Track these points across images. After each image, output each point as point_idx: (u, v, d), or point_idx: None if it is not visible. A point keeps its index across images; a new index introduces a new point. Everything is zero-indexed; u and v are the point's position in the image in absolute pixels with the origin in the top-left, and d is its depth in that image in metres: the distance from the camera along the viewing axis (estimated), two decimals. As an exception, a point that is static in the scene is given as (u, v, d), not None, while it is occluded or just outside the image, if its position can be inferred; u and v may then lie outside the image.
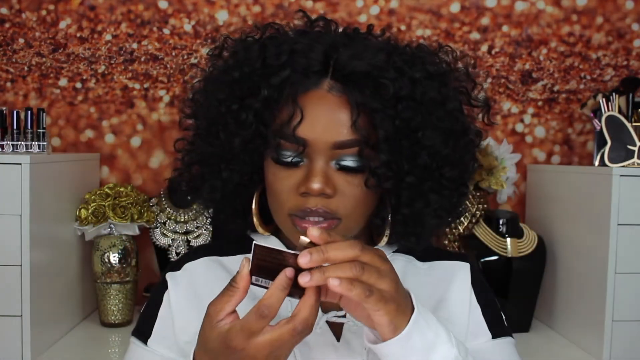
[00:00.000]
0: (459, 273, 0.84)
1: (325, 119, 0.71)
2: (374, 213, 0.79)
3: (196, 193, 0.83)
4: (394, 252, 0.85)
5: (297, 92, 0.72)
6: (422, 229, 0.79)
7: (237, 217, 0.83)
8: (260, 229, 0.81)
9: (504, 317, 0.86)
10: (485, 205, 1.76)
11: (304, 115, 0.71)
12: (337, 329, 0.78)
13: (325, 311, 0.78)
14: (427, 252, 0.87)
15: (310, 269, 0.61)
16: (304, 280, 0.60)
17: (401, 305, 0.64)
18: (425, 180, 0.75)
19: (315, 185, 0.70)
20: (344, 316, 0.78)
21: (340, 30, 0.79)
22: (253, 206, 0.81)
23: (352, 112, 0.71)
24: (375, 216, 0.79)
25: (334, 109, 0.72)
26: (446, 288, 0.83)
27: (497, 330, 0.83)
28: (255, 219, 0.81)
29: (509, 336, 0.84)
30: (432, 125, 0.73)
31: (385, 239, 0.79)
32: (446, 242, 1.76)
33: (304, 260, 0.60)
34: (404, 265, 0.84)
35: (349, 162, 0.72)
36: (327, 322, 0.78)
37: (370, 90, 0.70)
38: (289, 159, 0.73)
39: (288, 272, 0.61)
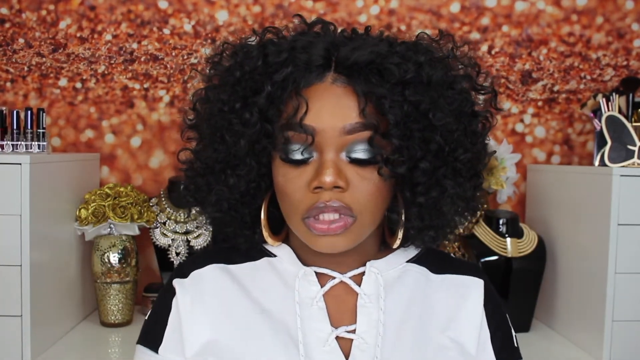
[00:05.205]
0: (473, 291, 0.82)
1: (332, 107, 0.70)
2: (389, 209, 0.77)
3: (202, 204, 0.80)
4: (407, 261, 0.82)
5: (300, 86, 0.71)
6: (439, 220, 0.77)
7: (245, 228, 0.80)
8: (270, 240, 0.78)
9: (514, 335, 0.84)
10: (485, 205, 1.76)
11: (310, 106, 0.70)
12: (345, 347, 0.76)
13: (335, 326, 0.76)
14: (441, 263, 0.84)
15: None
16: None
17: None
18: (440, 166, 0.73)
19: (328, 177, 0.68)
20: (354, 331, 0.76)
21: (339, 31, 0.78)
22: (262, 216, 0.78)
23: (359, 101, 0.69)
24: (390, 212, 0.77)
25: (340, 98, 0.70)
26: (459, 306, 0.81)
27: (506, 356, 0.81)
28: (264, 230, 0.78)
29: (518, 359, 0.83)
30: (442, 106, 0.71)
31: (398, 241, 0.77)
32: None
33: None
34: (417, 278, 0.81)
35: (360, 154, 0.70)
36: (336, 338, 0.75)
37: (375, 77, 0.69)
38: (299, 154, 0.71)
39: None
